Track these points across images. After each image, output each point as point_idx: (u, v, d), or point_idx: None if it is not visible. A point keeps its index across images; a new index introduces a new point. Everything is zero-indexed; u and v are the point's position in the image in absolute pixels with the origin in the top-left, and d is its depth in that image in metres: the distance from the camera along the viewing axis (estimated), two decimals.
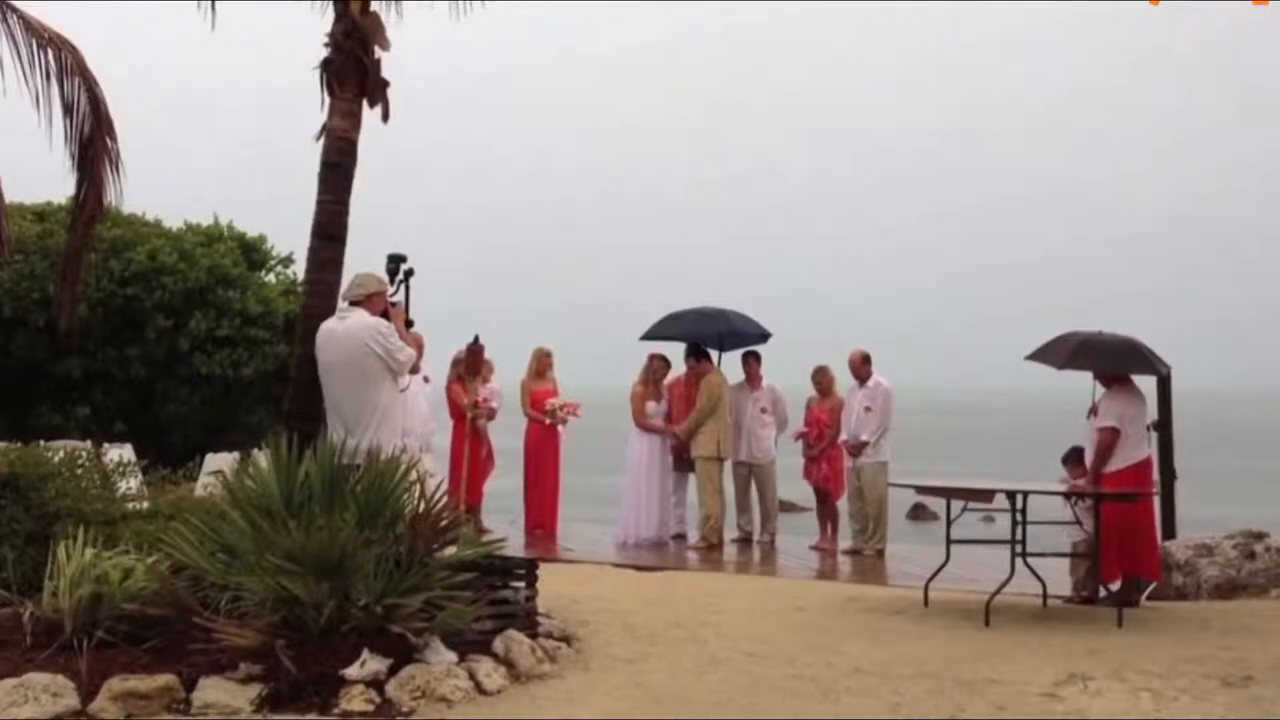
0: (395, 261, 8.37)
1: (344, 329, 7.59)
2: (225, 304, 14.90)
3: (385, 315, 7.75)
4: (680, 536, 12.84)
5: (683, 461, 12.79)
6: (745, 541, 12.77)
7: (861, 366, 12.28)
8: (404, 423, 8.70)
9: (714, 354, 13.08)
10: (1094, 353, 8.94)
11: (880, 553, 11.94)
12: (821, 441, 12.55)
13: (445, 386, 12.68)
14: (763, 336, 13.21)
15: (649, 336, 13.12)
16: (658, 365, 12.92)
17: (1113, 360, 8.94)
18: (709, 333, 13.02)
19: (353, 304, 7.71)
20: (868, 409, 12.11)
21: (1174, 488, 10.10)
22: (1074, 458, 9.28)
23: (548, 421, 12.96)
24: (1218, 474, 27.93)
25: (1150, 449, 9.16)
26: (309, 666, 5.61)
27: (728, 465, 12.72)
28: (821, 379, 12.73)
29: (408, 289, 8.44)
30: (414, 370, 8.70)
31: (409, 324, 8.22)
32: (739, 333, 13.08)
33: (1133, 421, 8.85)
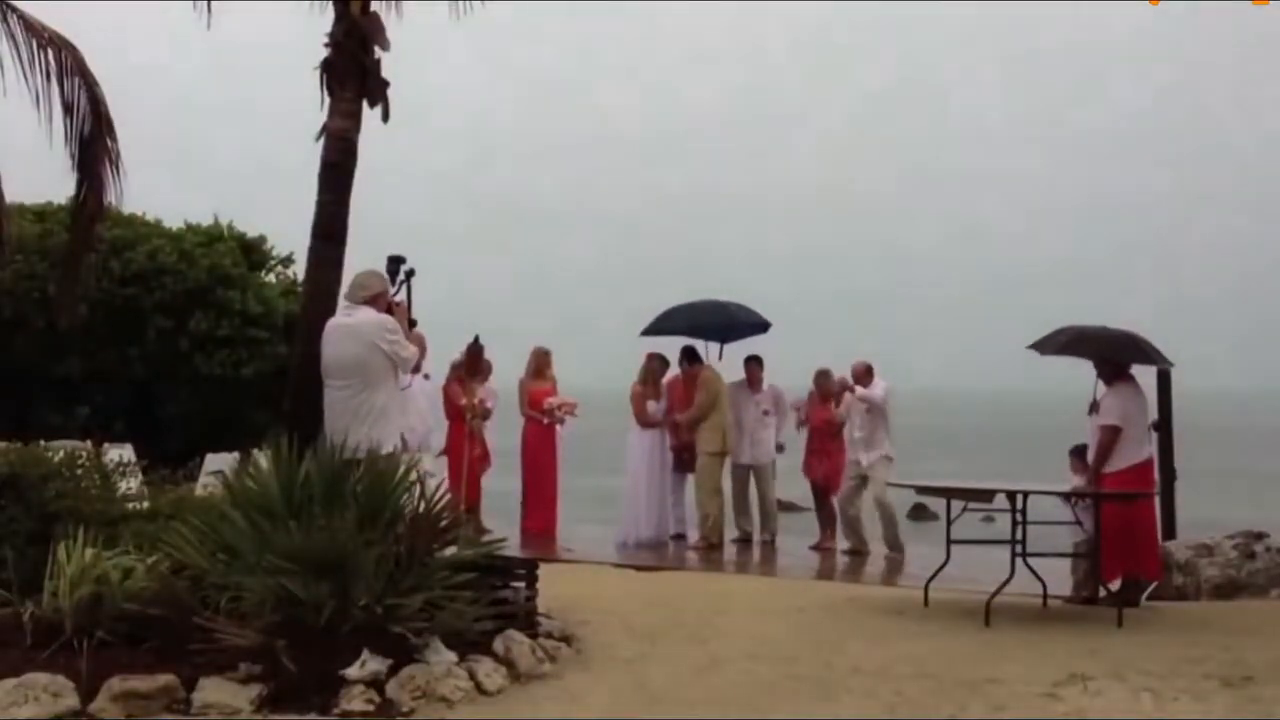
0: (396, 263, 8.42)
1: (351, 325, 7.64)
2: (225, 304, 14.90)
3: (389, 313, 7.80)
4: (680, 536, 12.82)
5: (682, 461, 12.78)
6: (745, 542, 12.76)
7: (864, 378, 12.29)
8: (408, 421, 8.75)
9: (715, 346, 13.03)
10: (1090, 342, 8.95)
11: (897, 551, 11.84)
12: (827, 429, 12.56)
13: (442, 387, 12.63)
14: (762, 326, 13.18)
15: (650, 331, 13.09)
16: (656, 365, 12.90)
17: (1108, 348, 8.92)
18: (709, 325, 12.99)
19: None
20: (868, 411, 12.12)
21: (1174, 488, 10.10)
22: (1081, 451, 9.28)
23: (545, 421, 12.92)
24: (1218, 474, 27.91)
25: (1152, 449, 9.16)
26: (309, 666, 5.61)
27: (727, 465, 12.72)
28: (824, 384, 12.72)
29: (409, 289, 8.49)
30: (415, 369, 8.74)
31: (412, 324, 8.27)
32: (739, 324, 13.06)
33: (1134, 421, 8.84)
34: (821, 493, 12.70)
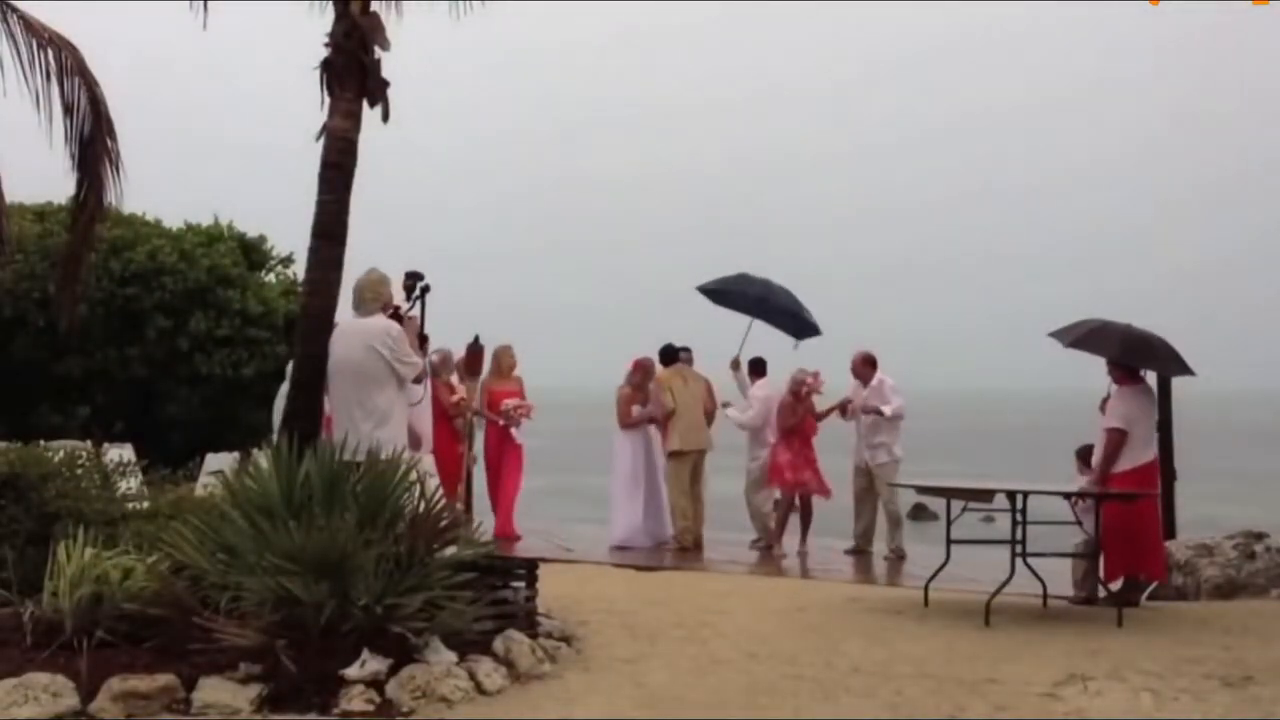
0: (413, 279, 8.63)
1: (357, 328, 7.89)
2: (225, 304, 14.91)
3: (398, 318, 8.01)
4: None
5: None
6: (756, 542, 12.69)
7: (862, 368, 12.24)
8: (419, 426, 8.77)
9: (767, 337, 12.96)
10: (1104, 339, 8.87)
11: (901, 554, 11.80)
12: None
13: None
14: (815, 330, 13.05)
15: (707, 292, 13.02)
16: (647, 366, 12.79)
17: (1117, 348, 8.85)
18: (778, 308, 12.91)
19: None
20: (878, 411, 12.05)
21: (1174, 488, 10.09)
22: (1085, 452, 9.26)
23: (501, 423, 12.57)
24: (1218, 474, 27.93)
25: (1156, 451, 9.13)
26: (309, 666, 5.61)
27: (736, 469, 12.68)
28: (799, 384, 12.65)
29: (424, 305, 8.66)
30: (417, 380, 8.80)
31: (424, 339, 8.45)
32: (805, 323, 12.99)
33: (1139, 424, 8.80)
34: (804, 499, 12.56)
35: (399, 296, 8.61)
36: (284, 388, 11.62)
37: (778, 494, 12.54)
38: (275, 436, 11.34)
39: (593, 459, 16.52)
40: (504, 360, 12.83)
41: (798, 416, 12.24)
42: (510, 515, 12.55)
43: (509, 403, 12.57)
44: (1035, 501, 8.46)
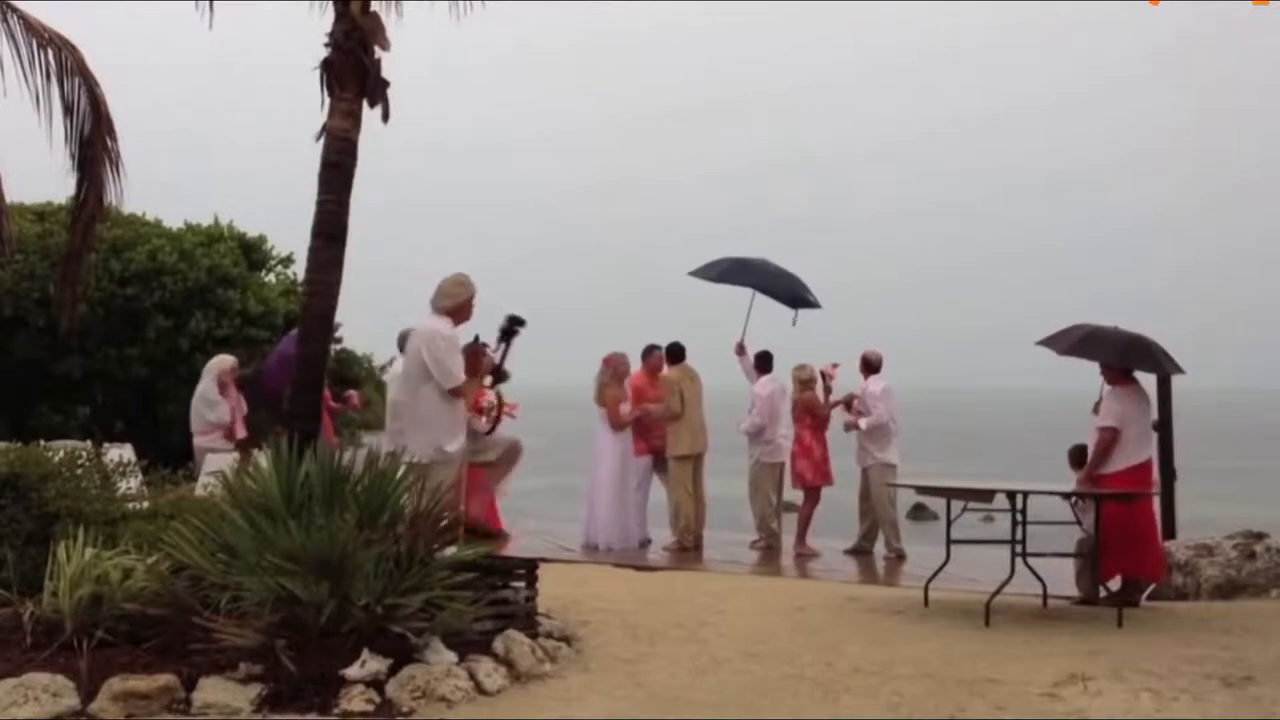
0: (512, 323, 9.19)
1: (419, 329, 8.00)
2: (225, 304, 14.94)
3: (476, 342, 8.44)
4: (646, 542, 12.42)
5: (662, 460, 12.56)
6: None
7: (860, 368, 12.28)
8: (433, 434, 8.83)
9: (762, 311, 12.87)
10: (1100, 344, 8.88)
11: (900, 554, 11.80)
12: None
13: None
14: (810, 303, 12.93)
15: (703, 275, 12.87)
16: (619, 361, 12.70)
17: (1117, 352, 8.87)
18: (780, 290, 12.82)
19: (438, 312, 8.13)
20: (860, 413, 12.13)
21: (1174, 488, 10.09)
22: (1077, 453, 9.27)
23: (484, 421, 12.49)
24: (1218, 474, 27.94)
25: (1152, 450, 9.13)
26: (309, 666, 5.62)
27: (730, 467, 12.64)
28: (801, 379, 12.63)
29: (508, 346, 9.60)
30: (456, 393, 8.86)
31: (504, 376, 8.90)
32: (801, 297, 12.87)
33: (1134, 423, 8.79)
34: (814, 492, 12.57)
35: (492, 334, 9.62)
36: (200, 387, 11.76)
37: (801, 493, 12.51)
38: (195, 439, 11.61)
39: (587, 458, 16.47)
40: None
41: (828, 405, 12.33)
42: (496, 512, 12.47)
43: (491, 400, 12.40)
44: (1035, 501, 8.46)
